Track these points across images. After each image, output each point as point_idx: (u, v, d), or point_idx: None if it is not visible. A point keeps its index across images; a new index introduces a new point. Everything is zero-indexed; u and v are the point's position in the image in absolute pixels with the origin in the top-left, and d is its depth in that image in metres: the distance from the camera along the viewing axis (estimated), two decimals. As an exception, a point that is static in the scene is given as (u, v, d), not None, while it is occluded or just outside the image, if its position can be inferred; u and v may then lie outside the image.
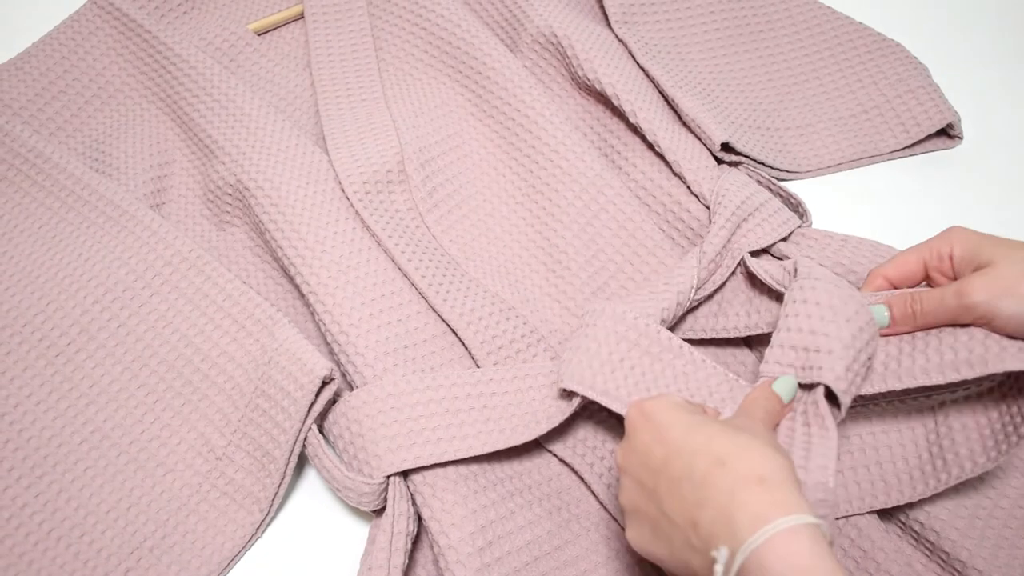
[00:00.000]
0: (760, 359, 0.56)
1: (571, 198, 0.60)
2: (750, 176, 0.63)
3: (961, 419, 0.47)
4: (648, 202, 0.62)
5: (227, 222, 0.64)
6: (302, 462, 0.54)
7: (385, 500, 0.49)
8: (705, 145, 0.63)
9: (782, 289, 0.51)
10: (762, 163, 0.66)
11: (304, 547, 0.52)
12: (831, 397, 0.43)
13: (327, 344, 0.56)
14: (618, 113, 0.65)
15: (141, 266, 0.58)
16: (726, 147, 0.64)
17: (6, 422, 0.53)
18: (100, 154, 0.67)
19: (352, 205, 0.60)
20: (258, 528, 0.51)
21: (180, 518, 0.51)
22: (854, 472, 0.49)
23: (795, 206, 0.61)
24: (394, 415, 0.49)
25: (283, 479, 0.51)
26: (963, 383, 0.46)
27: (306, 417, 0.50)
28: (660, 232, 0.59)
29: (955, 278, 0.46)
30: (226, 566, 0.50)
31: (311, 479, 0.54)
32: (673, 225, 0.61)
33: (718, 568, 0.32)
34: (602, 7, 0.73)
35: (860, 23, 0.73)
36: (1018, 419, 0.44)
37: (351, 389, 0.54)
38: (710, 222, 0.58)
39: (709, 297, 0.57)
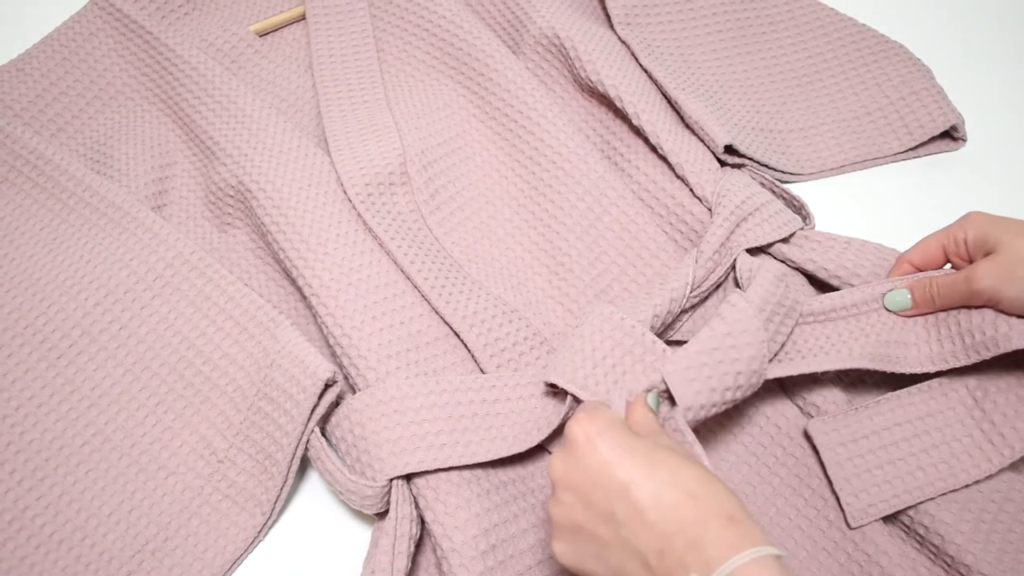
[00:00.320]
0: None
1: (574, 200, 0.60)
2: (753, 178, 0.63)
3: (1005, 395, 0.50)
4: (651, 204, 0.62)
5: (228, 224, 0.64)
6: (304, 465, 0.54)
7: (388, 503, 0.49)
8: (708, 147, 0.63)
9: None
10: (765, 165, 0.65)
11: (306, 550, 0.51)
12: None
13: (329, 346, 0.56)
14: (621, 115, 0.65)
15: (142, 268, 0.58)
16: (729, 149, 0.63)
17: (7, 424, 0.53)
18: (101, 156, 0.67)
19: (354, 207, 0.59)
20: (260, 531, 0.51)
21: (182, 521, 0.51)
22: (915, 459, 0.50)
23: (798, 208, 0.61)
24: (397, 418, 0.49)
25: (285, 482, 0.51)
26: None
27: (308, 420, 0.50)
28: (663, 234, 0.59)
29: (971, 262, 0.51)
30: (228, 569, 0.50)
31: (313, 482, 0.54)
32: (676, 227, 0.61)
33: None
34: (604, 8, 0.73)
35: (864, 25, 0.73)
36: None
37: (353, 392, 0.54)
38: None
39: (707, 297, 0.57)
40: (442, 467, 0.48)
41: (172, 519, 0.51)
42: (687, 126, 0.64)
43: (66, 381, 0.55)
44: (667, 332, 0.55)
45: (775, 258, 0.58)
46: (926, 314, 0.52)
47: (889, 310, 0.53)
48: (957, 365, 0.50)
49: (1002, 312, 0.48)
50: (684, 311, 0.56)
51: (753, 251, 0.58)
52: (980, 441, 0.49)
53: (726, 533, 0.35)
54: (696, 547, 0.35)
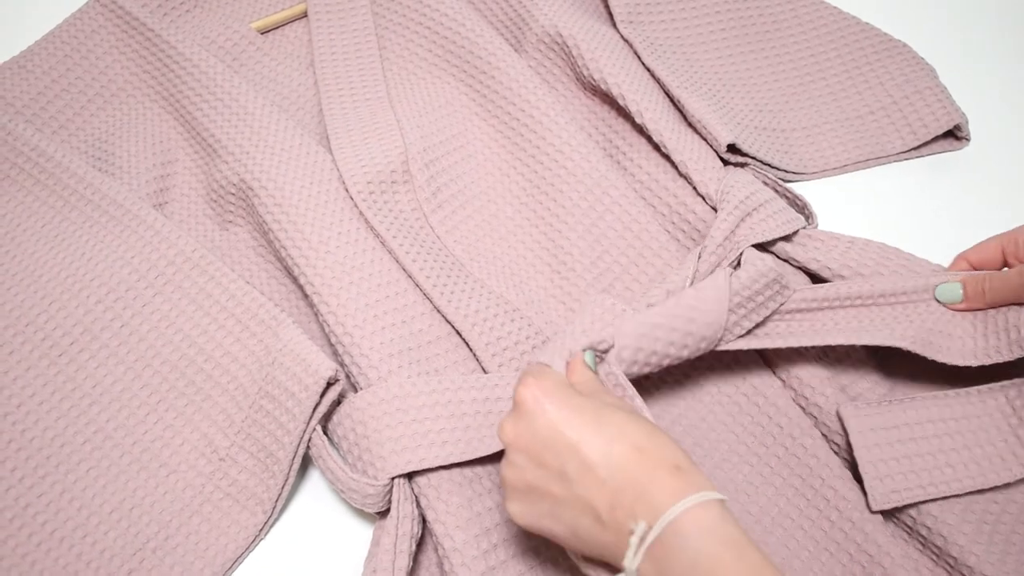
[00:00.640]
0: (756, 354, 0.56)
1: (576, 199, 0.60)
2: (756, 177, 0.63)
3: None
4: (653, 203, 0.62)
5: (230, 222, 0.64)
6: (306, 463, 0.54)
7: (389, 502, 0.49)
8: (711, 146, 0.62)
9: None
10: (768, 164, 0.65)
11: (307, 549, 0.51)
12: None
13: (331, 345, 0.56)
14: (623, 113, 0.65)
15: (144, 265, 0.58)
16: (732, 148, 0.63)
17: (9, 422, 0.53)
18: (103, 153, 0.67)
19: (356, 205, 0.59)
20: (261, 529, 0.51)
21: (183, 519, 0.51)
22: (945, 455, 0.49)
23: (801, 208, 0.61)
24: (399, 417, 0.49)
25: (286, 480, 0.51)
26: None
27: (310, 418, 0.50)
28: (666, 233, 0.59)
29: None
30: (229, 567, 0.50)
31: (315, 480, 0.54)
32: (679, 226, 0.61)
33: (633, 540, 0.36)
34: (607, 7, 0.73)
35: (867, 24, 0.72)
36: None
37: (355, 390, 0.54)
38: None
39: None
40: (444, 465, 0.48)
41: (173, 517, 0.51)
42: (690, 125, 0.64)
43: (68, 378, 0.55)
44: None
45: (779, 257, 0.58)
46: (976, 310, 0.52)
47: (940, 301, 0.53)
48: (1000, 360, 0.49)
49: None
50: None
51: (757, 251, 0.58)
52: (1015, 446, 0.49)
53: (672, 481, 0.36)
54: (644, 497, 0.36)
